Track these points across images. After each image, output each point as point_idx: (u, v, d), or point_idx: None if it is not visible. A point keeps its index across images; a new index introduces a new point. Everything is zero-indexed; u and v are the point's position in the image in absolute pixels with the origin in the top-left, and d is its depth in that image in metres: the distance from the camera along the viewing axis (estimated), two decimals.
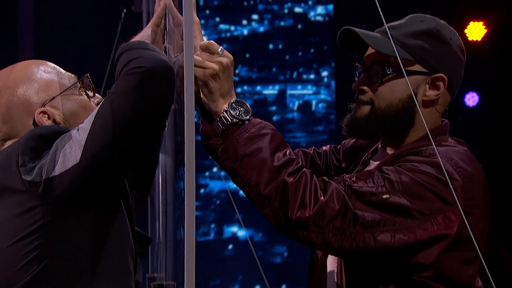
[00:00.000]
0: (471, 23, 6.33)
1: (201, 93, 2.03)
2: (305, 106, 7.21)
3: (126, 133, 1.73)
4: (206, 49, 1.93)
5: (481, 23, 6.34)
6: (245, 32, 7.20)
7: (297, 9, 7.28)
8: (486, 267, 1.78)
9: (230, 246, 7.04)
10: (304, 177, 1.87)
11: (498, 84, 6.45)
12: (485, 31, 6.34)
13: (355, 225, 1.86)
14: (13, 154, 1.79)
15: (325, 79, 7.24)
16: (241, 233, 6.92)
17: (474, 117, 6.52)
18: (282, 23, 7.26)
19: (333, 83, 7.21)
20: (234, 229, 6.99)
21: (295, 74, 7.26)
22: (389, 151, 2.09)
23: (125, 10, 3.80)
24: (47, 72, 1.95)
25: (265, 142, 1.89)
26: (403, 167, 1.93)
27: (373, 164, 2.11)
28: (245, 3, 7.23)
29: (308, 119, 7.20)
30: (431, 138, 1.90)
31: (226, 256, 7.06)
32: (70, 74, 1.98)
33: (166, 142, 2.11)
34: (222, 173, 2.11)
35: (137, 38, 1.96)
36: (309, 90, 7.26)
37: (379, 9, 1.75)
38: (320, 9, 7.27)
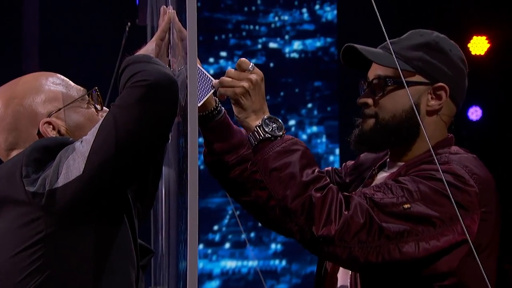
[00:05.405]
0: (474, 37, 6.34)
1: (202, 111, 2.07)
2: None
3: (129, 146, 1.75)
4: (238, 66, 1.98)
5: (484, 37, 6.35)
6: (211, 71, 6.13)
7: (272, 45, 6.60)
8: (486, 277, 1.79)
9: None
10: (331, 192, 1.88)
11: (501, 98, 6.45)
12: (488, 45, 6.35)
13: (380, 238, 1.87)
14: (17, 165, 1.80)
15: (292, 129, 6.52)
16: None
17: (477, 131, 6.51)
18: (253, 61, 6.57)
19: (300, 133, 6.50)
20: None
21: None
22: (399, 163, 2.10)
23: (129, 23, 3.83)
24: (55, 84, 1.96)
25: (295, 158, 1.91)
26: (419, 176, 1.95)
27: (381, 176, 2.13)
28: (216, 37, 6.54)
29: None
30: (430, 144, 1.94)
31: None
32: (79, 87, 2.00)
33: (169, 155, 2.12)
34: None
35: (142, 51, 1.97)
36: None
37: (382, 24, 1.77)
38: (296, 45, 6.60)
